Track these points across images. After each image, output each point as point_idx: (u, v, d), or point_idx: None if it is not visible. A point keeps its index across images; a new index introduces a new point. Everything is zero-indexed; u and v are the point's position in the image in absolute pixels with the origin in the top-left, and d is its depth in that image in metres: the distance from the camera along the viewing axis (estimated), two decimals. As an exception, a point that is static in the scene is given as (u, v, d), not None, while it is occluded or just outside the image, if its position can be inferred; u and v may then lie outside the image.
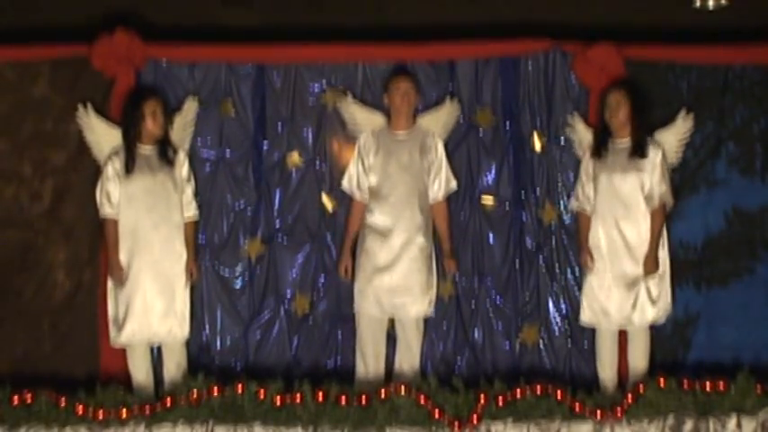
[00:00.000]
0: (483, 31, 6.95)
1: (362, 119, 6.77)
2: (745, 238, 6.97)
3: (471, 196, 6.96)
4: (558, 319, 6.93)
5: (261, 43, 6.93)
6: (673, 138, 6.64)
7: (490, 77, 7.00)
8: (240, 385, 5.61)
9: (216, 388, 5.61)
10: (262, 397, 5.59)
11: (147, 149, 6.42)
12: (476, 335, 6.97)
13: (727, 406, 5.62)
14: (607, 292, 6.43)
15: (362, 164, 6.66)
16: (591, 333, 6.62)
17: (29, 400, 5.63)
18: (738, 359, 6.60)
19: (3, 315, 6.73)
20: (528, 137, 6.97)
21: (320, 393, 5.58)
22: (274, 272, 6.96)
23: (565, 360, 6.91)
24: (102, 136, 6.53)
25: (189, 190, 6.51)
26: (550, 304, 6.94)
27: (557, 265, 6.94)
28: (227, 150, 6.95)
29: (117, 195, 6.37)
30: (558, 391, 5.62)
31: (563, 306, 6.92)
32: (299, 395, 5.57)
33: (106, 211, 6.39)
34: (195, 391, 5.60)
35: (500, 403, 5.57)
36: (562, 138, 6.92)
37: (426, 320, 6.68)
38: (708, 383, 5.69)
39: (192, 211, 6.51)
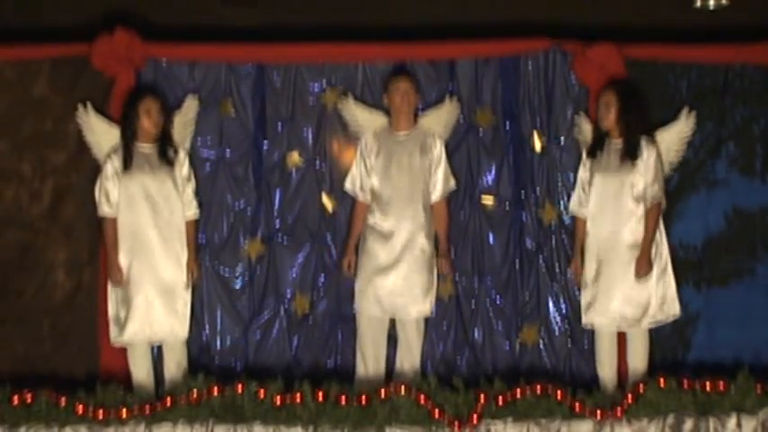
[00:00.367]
0: (483, 31, 6.95)
1: (364, 119, 6.77)
2: (745, 239, 6.97)
3: (471, 196, 6.96)
4: (558, 319, 6.93)
5: (261, 43, 6.93)
6: (675, 136, 6.63)
7: (490, 77, 7.00)
8: (240, 385, 5.60)
9: (216, 388, 5.60)
10: (262, 397, 5.58)
11: (146, 148, 6.42)
12: (476, 335, 6.97)
13: (727, 406, 5.61)
14: (605, 294, 6.42)
15: (364, 165, 6.65)
16: (591, 333, 6.62)
17: (29, 400, 5.61)
18: (738, 359, 6.59)
19: (3, 315, 6.73)
20: (528, 137, 6.97)
21: (320, 393, 5.57)
22: (274, 272, 6.96)
23: (565, 360, 6.91)
24: (102, 135, 6.53)
25: (189, 189, 6.50)
26: (550, 304, 6.94)
27: (557, 265, 6.94)
28: (227, 150, 6.94)
29: (115, 194, 6.37)
30: (558, 391, 5.61)
31: (563, 306, 6.92)
32: (299, 395, 5.56)
33: (104, 210, 6.39)
34: (195, 391, 5.59)
35: (500, 403, 5.56)
36: (562, 138, 6.92)
37: (426, 320, 6.68)
38: (708, 383, 5.67)
39: (192, 210, 6.50)
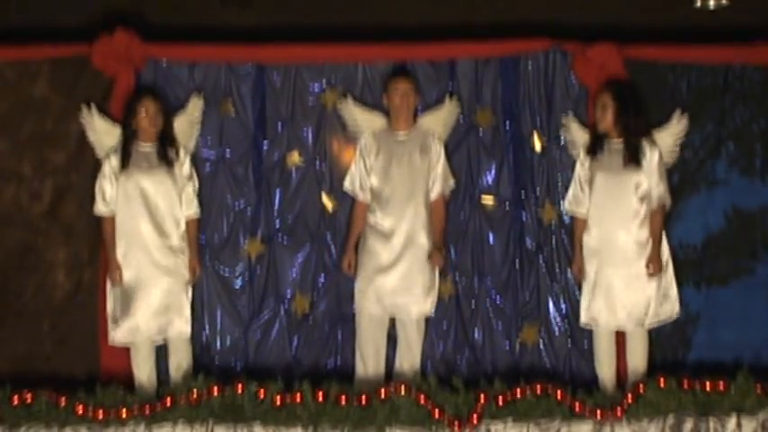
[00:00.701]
0: (483, 31, 6.95)
1: (363, 120, 6.77)
2: (745, 238, 6.97)
3: (471, 196, 6.96)
4: (558, 319, 6.93)
5: (261, 43, 6.92)
6: (669, 138, 6.63)
7: (490, 77, 7.00)
8: (240, 385, 5.61)
9: (216, 388, 5.61)
10: (262, 397, 5.58)
11: (146, 147, 6.43)
12: (476, 335, 6.97)
13: (727, 406, 5.61)
14: (604, 294, 6.42)
15: (364, 165, 6.66)
16: (590, 333, 6.61)
17: (29, 400, 5.62)
18: (738, 359, 6.59)
19: (3, 315, 6.73)
20: (528, 137, 6.97)
21: (320, 393, 5.58)
22: (274, 272, 6.96)
23: (565, 360, 6.91)
24: (104, 135, 6.53)
25: (190, 188, 6.51)
26: (550, 304, 6.94)
27: (557, 265, 6.93)
28: (227, 150, 6.95)
29: (112, 193, 6.38)
30: (558, 391, 5.61)
31: (563, 306, 6.92)
32: (299, 395, 5.56)
33: (99, 208, 6.40)
34: (195, 391, 5.60)
35: (500, 403, 5.56)
36: (562, 137, 6.91)
37: (427, 320, 6.68)
38: (708, 383, 5.68)
39: (192, 210, 6.51)
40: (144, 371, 6.38)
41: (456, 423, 5.48)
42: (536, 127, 6.96)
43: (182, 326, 6.40)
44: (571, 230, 6.73)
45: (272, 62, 6.95)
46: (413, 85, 6.65)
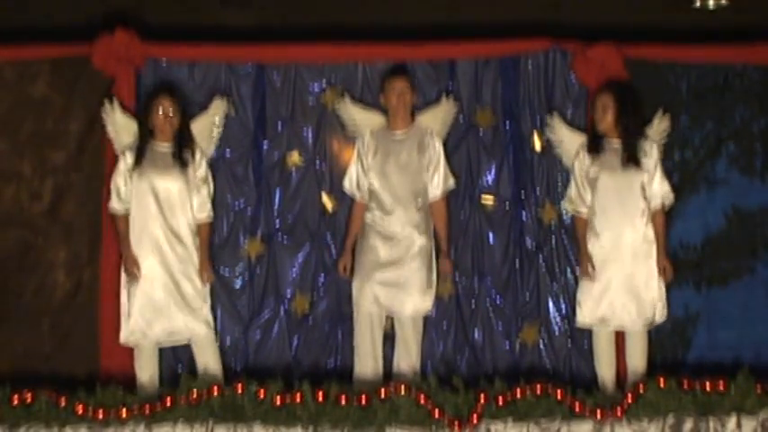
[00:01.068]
0: (483, 31, 6.95)
1: (361, 120, 6.77)
2: (745, 238, 6.97)
3: (471, 196, 6.96)
4: (558, 319, 6.93)
5: (260, 43, 6.93)
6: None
7: (490, 77, 7.00)
8: (240, 385, 5.61)
9: (216, 388, 5.61)
10: (262, 397, 5.58)
11: (163, 147, 6.41)
12: (476, 335, 6.97)
13: (727, 406, 5.61)
14: (605, 294, 6.42)
15: (362, 164, 6.66)
16: (590, 333, 6.61)
17: (29, 400, 5.61)
18: (738, 359, 6.60)
19: (3, 315, 6.73)
20: (528, 137, 6.97)
21: (320, 393, 5.58)
22: (274, 271, 6.95)
23: (565, 360, 6.91)
24: (123, 131, 6.50)
25: (204, 191, 6.46)
26: (550, 304, 6.94)
27: (557, 264, 6.94)
28: (227, 150, 6.94)
29: (126, 190, 6.36)
30: (558, 391, 5.61)
31: (563, 306, 6.92)
32: (299, 395, 5.56)
33: (113, 205, 6.38)
34: (195, 391, 5.60)
35: (500, 403, 5.56)
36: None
37: (426, 320, 6.68)
38: (708, 383, 5.68)
39: (205, 213, 6.46)
40: (146, 372, 6.35)
41: (456, 423, 5.48)
42: (536, 127, 6.96)
43: (196, 327, 6.36)
44: (572, 230, 6.72)
45: (272, 62, 6.95)
46: (409, 83, 6.65)
